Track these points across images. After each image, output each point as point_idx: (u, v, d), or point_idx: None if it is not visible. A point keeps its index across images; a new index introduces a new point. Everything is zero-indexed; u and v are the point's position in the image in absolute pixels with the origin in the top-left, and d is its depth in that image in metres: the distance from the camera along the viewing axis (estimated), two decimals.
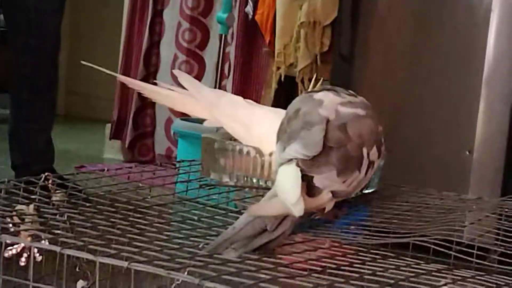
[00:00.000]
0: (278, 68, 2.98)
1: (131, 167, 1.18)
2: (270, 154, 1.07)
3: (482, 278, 0.82)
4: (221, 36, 3.00)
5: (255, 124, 1.11)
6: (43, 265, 0.99)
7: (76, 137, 4.16)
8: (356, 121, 0.90)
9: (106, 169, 1.13)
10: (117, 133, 3.57)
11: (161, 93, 1.19)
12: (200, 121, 3.18)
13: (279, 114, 1.06)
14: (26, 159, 2.63)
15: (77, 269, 0.98)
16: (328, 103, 0.91)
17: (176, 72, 1.20)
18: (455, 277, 0.82)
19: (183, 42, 3.41)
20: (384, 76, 2.59)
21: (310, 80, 2.92)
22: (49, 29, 2.59)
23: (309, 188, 0.87)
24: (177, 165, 1.28)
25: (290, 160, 0.87)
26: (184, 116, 3.30)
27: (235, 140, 1.14)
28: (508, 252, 0.93)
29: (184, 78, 1.17)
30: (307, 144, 0.87)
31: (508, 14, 2.39)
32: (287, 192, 0.84)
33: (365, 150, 0.90)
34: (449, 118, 2.50)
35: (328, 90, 0.95)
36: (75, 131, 4.37)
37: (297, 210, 0.83)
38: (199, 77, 3.36)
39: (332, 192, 0.89)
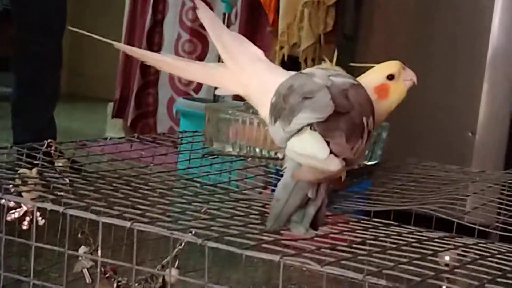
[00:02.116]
0: (281, 47, 2.97)
1: (133, 137, 1.18)
2: None
3: (485, 246, 0.82)
4: (224, 14, 2.98)
5: (270, 93, 1.07)
6: (45, 230, 0.99)
7: (78, 116, 4.16)
8: (353, 89, 0.89)
9: (109, 137, 1.13)
10: (119, 112, 3.57)
11: (166, 61, 1.14)
12: (203, 100, 3.16)
13: None
14: (28, 137, 2.63)
15: (79, 235, 0.97)
16: (320, 75, 0.90)
17: (197, 2, 1.08)
18: (457, 243, 0.82)
19: (187, 21, 3.40)
20: (387, 57, 2.56)
21: (313, 60, 2.92)
22: (54, 6, 2.58)
23: None
24: (180, 136, 1.28)
25: (300, 130, 0.85)
26: (187, 95, 3.30)
27: (238, 110, 1.14)
28: (510, 221, 0.93)
29: (205, 13, 1.03)
30: (316, 108, 0.85)
31: None
32: (314, 153, 0.81)
33: (364, 119, 0.89)
34: (452, 99, 2.49)
35: (314, 68, 0.94)
36: (77, 110, 4.37)
37: (335, 164, 0.80)
38: (202, 57, 3.35)
39: (344, 159, 0.88)
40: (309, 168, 0.81)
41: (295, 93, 0.88)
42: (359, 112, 0.88)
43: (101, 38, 1.17)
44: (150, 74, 3.48)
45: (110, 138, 1.14)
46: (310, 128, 0.84)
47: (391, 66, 1.03)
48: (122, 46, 1.17)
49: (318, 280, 1.87)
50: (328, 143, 0.83)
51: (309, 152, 0.82)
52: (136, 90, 3.47)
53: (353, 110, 0.87)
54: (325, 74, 0.89)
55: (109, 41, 1.18)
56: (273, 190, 1.02)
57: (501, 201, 0.98)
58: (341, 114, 0.85)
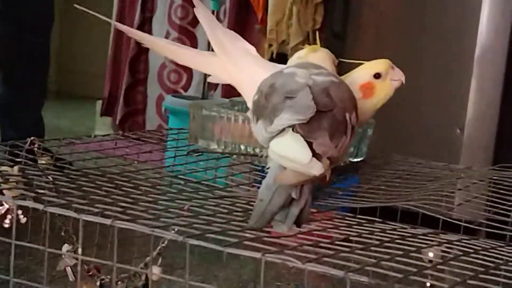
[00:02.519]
0: (270, 45, 2.97)
1: (118, 134, 1.17)
2: None
3: (469, 242, 0.82)
4: (213, 12, 2.98)
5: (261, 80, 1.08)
6: (29, 228, 0.98)
7: (67, 114, 4.15)
8: (335, 86, 0.89)
9: (93, 135, 1.12)
10: (108, 110, 3.56)
11: (161, 45, 1.15)
12: (191, 98, 3.16)
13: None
14: (16, 135, 2.62)
15: (63, 233, 0.97)
16: (301, 73, 0.90)
17: (195, 1, 1.12)
18: (441, 240, 0.82)
19: (176, 19, 3.39)
20: (376, 54, 2.56)
21: None
22: (42, 3, 2.57)
23: None
24: (165, 133, 1.27)
25: (282, 131, 0.85)
26: (175, 93, 3.29)
27: (223, 107, 1.13)
28: (496, 217, 0.93)
29: (202, 10, 1.06)
30: (298, 109, 0.85)
31: None
32: (296, 157, 0.81)
33: (347, 115, 0.89)
34: (441, 96, 2.50)
35: (294, 66, 0.93)
36: (66, 108, 4.35)
37: (317, 168, 0.80)
38: None
39: (328, 158, 0.87)
40: (292, 172, 0.81)
41: (277, 92, 0.87)
42: (342, 109, 0.87)
43: (100, 15, 1.16)
44: (139, 72, 3.47)
45: (95, 136, 1.13)
46: (292, 129, 0.83)
47: (379, 64, 1.02)
48: (123, 27, 1.17)
49: (307, 277, 1.87)
50: (311, 143, 0.83)
51: (291, 155, 0.82)
52: (125, 88, 3.46)
53: (336, 108, 0.87)
54: (306, 73, 0.89)
55: (107, 19, 1.18)
56: (259, 188, 1.02)
57: (487, 197, 0.98)
58: (323, 113, 0.85)
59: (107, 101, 3.55)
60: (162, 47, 1.15)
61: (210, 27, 1.08)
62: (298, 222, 0.81)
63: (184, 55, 1.14)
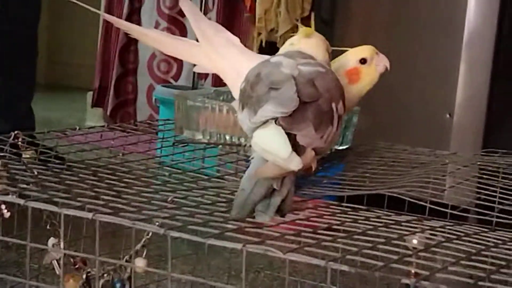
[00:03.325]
0: (259, 33, 2.96)
1: (103, 126, 1.17)
2: None
3: (452, 228, 0.82)
4: (201, 1, 2.97)
5: (243, 73, 1.09)
6: (14, 224, 0.98)
7: (58, 106, 4.14)
8: (321, 76, 0.88)
9: (77, 127, 1.12)
10: (99, 101, 3.55)
11: (148, 35, 1.16)
12: (182, 87, 3.16)
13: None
14: (6, 128, 2.61)
15: (48, 227, 0.97)
16: (287, 64, 0.89)
17: None
18: (424, 227, 0.82)
19: (164, 9, 3.39)
20: (364, 41, 2.56)
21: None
22: None
23: (293, 148, 0.84)
24: (153, 124, 1.27)
25: (266, 122, 0.85)
26: (166, 83, 3.29)
27: (208, 97, 1.13)
28: (481, 203, 0.93)
29: (186, 2, 1.10)
30: (281, 101, 0.85)
31: None
32: (276, 151, 0.81)
33: (333, 105, 0.89)
34: (430, 81, 2.50)
35: (282, 55, 0.93)
36: (56, 99, 4.34)
37: (295, 164, 0.80)
38: None
39: (313, 149, 0.88)
40: (273, 165, 0.81)
41: (262, 82, 0.87)
42: (328, 99, 0.87)
43: (88, 6, 1.16)
44: (129, 63, 3.47)
45: (79, 128, 1.13)
46: (275, 121, 0.83)
47: (364, 50, 1.03)
48: (110, 18, 1.19)
49: (297, 265, 1.87)
50: (295, 136, 0.83)
51: (271, 149, 0.82)
52: (115, 79, 3.45)
53: (321, 98, 0.87)
54: (293, 63, 0.89)
55: (95, 10, 1.18)
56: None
57: (472, 183, 0.98)
58: (308, 104, 0.85)
59: (97, 92, 3.54)
60: (149, 37, 1.16)
61: (195, 18, 1.10)
62: (280, 212, 0.81)
63: (171, 44, 1.16)
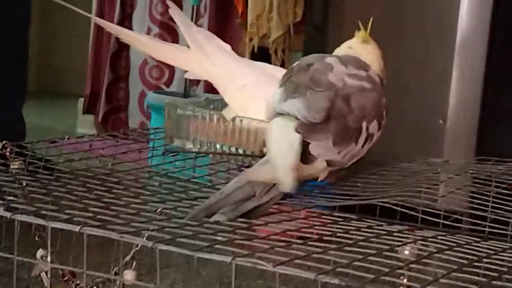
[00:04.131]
0: (251, 39, 2.96)
1: (93, 135, 1.16)
2: (233, 119, 1.05)
3: (444, 238, 0.82)
4: (193, 7, 2.96)
5: (235, 78, 1.09)
6: (2, 236, 0.98)
7: (49, 112, 4.12)
8: (361, 93, 0.90)
9: (67, 137, 1.11)
10: (90, 107, 3.54)
11: (139, 40, 1.16)
12: (174, 94, 3.14)
13: (262, 76, 1.05)
14: None
15: (36, 238, 0.96)
16: (337, 70, 0.91)
17: (169, 3, 1.17)
18: (416, 237, 0.81)
19: (156, 15, 3.38)
20: None
21: (283, 51, 2.91)
22: (18, 3, 2.54)
23: (303, 155, 0.85)
24: (143, 132, 1.26)
25: (287, 115, 0.86)
26: (158, 89, 3.28)
27: (198, 106, 1.12)
28: (473, 212, 0.93)
29: (176, 11, 1.13)
30: (311, 107, 0.86)
31: None
32: (281, 158, 0.82)
33: (364, 124, 0.90)
34: (423, 87, 2.49)
35: (337, 58, 0.94)
36: (47, 106, 4.32)
37: (286, 184, 0.81)
38: None
39: (327, 161, 0.88)
40: (268, 170, 0.81)
41: (308, 73, 0.90)
42: (359, 117, 0.89)
43: (79, 10, 1.16)
44: (120, 69, 3.46)
45: (68, 138, 1.12)
46: (296, 127, 0.84)
47: None
48: (101, 22, 1.19)
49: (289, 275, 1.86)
50: (308, 144, 0.83)
51: (279, 152, 0.83)
52: (107, 85, 3.44)
53: (351, 115, 0.87)
54: (342, 71, 0.90)
55: (85, 13, 1.17)
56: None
57: (464, 191, 0.98)
58: (334, 118, 0.86)
59: (89, 99, 3.53)
60: (140, 42, 1.17)
61: (185, 26, 1.12)
62: (247, 216, 0.80)
63: (162, 50, 1.17)
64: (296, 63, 0.95)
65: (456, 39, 2.41)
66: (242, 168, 1.06)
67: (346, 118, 0.88)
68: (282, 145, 0.84)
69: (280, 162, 0.81)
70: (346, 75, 0.90)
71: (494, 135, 2.46)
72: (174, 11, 1.15)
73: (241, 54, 3.05)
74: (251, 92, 1.05)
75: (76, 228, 0.69)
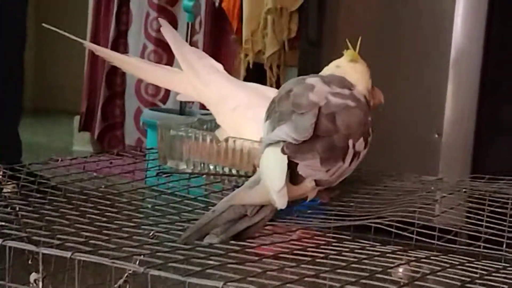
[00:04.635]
0: (246, 55, 2.96)
1: (86, 157, 1.15)
2: (226, 140, 1.05)
3: (437, 259, 0.82)
4: (188, 24, 2.97)
5: (227, 99, 1.09)
6: None
7: (45, 130, 4.12)
8: (346, 111, 0.90)
9: (59, 159, 1.10)
10: (86, 125, 3.53)
11: (130, 63, 1.17)
12: (170, 111, 3.13)
13: (255, 97, 1.06)
14: None
15: (29, 262, 0.95)
16: (319, 89, 0.91)
17: (161, 21, 1.17)
18: (409, 258, 0.81)
19: (152, 32, 3.38)
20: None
21: (278, 67, 2.92)
22: (14, 22, 2.55)
23: (292, 176, 0.86)
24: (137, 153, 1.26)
25: (278, 142, 0.86)
26: (154, 106, 3.28)
27: (191, 126, 1.12)
28: (467, 233, 0.93)
29: (168, 30, 1.14)
30: (297, 127, 0.86)
31: None
32: (272, 179, 0.82)
33: (351, 141, 0.90)
34: (418, 101, 2.50)
35: (320, 78, 0.94)
36: (43, 124, 4.32)
37: (280, 202, 0.81)
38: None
39: (315, 180, 0.88)
40: (256, 191, 0.81)
41: (289, 100, 0.90)
42: (345, 135, 0.89)
43: (71, 36, 1.16)
44: (116, 86, 3.46)
45: (61, 160, 1.12)
46: (282, 149, 0.84)
47: None
48: (90, 45, 1.20)
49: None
50: (296, 165, 0.83)
51: (269, 174, 0.83)
52: (103, 102, 3.44)
53: (337, 134, 0.88)
54: (325, 90, 0.90)
55: (77, 39, 1.18)
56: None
57: (457, 211, 0.98)
58: (321, 137, 0.86)
59: (85, 116, 3.53)
60: (131, 65, 1.17)
61: (177, 46, 1.12)
62: (238, 238, 0.81)
63: (153, 72, 1.17)
64: (277, 92, 0.95)
65: (451, 53, 2.42)
66: (236, 189, 1.06)
67: (332, 136, 0.88)
68: (271, 167, 0.84)
69: (270, 183, 0.82)
70: (329, 94, 0.90)
71: (490, 149, 2.47)
72: (166, 30, 1.15)
73: (236, 70, 3.06)
74: (243, 113, 1.05)
75: (68, 254, 0.69)
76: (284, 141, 0.86)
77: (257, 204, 0.82)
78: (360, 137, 0.91)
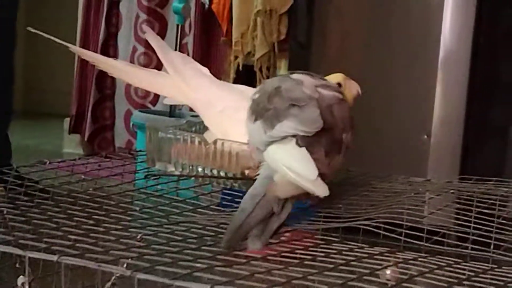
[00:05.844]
0: (236, 57, 2.96)
1: (74, 159, 1.15)
2: (214, 142, 1.05)
3: (425, 260, 0.82)
4: (178, 26, 2.96)
5: (214, 102, 1.09)
6: None
7: (35, 133, 4.11)
8: (339, 105, 0.90)
9: (47, 161, 1.10)
10: (76, 127, 3.52)
11: (116, 67, 1.16)
12: (159, 112, 3.13)
13: (241, 99, 1.05)
14: None
15: (17, 265, 0.95)
16: (308, 83, 0.91)
17: (145, 28, 1.18)
18: (397, 259, 0.81)
19: (142, 34, 3.37)
20: (341, 63, 2.58)
21: (268, 69, 2.92)
22: (3, 24, 2.54)
23: None
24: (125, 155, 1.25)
25: (284, 138, 0.86)
26: (143, 108, 3.27)
27: (180, 129, 1.12)
28: (455, 234, 0.93)
29: (152, 36, 1.14)
30: (304, 120, 0.85)
31: None
32: (303, 172, 0.82)
33: (344, 135, 0.90)
34: (407, 103, 2.50)
35: (301, 73, 0.94)
36: (33, 126, 4.31)
37: (321, 189, 0.81)
38: (158, 69, 3.30)
39: (320, 174, 0.88)
40: (287, 184, 0.81)
41: (282, 97, 0.89)
42: (341, 129, 0.89)
43: (57, 39, 1.16)
44: (106, 88, 3.45)
45: (50, 162, 1.11)
46: (296, 141, 0.84)
47: (337, 77, 1.03)
48: (76, 49, 1.19)
49: None
50: None
51: (296, 168, 0.82)
52: (92, 105, 3.43)
53: (336, 127, 0.88)
54: (312, 84, 0.90)
55: (64, 43, 1.18)
56: (221, 207, 1.01)
57: (445, 212, 0.98)
58: (324, 130, 0.86)
59: (75, 118, 3.52)
60: (117, 69, 1.17)
61: (162, 50, 1.12)
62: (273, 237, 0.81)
63: (139, 76, 1.16)
64: (256, 93, 0.94)
65: (440, 55, 2.43)
66: (224, 191, 1.06)
67: (333, 129, 0.88)
68: (295, 162, 0.83)
69: (304, 175, 0.81)
70: (317, 87, 0.91)
71: (478, 150, 2.47)
72: (150, 36, 1.15)
73: (226, 72, 3.06)
74: (230, 115, 1.05)
75: (54, 258, 0.69)
76: (292, 136, 0.85)
77: (291, 195, 0.81)
78: (350, 131, 0.91)
